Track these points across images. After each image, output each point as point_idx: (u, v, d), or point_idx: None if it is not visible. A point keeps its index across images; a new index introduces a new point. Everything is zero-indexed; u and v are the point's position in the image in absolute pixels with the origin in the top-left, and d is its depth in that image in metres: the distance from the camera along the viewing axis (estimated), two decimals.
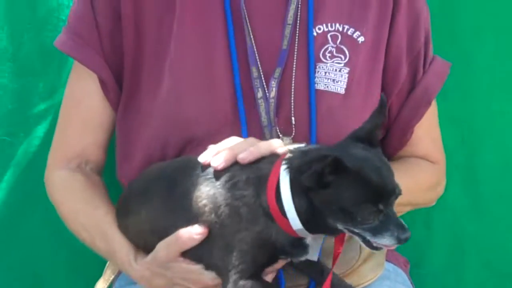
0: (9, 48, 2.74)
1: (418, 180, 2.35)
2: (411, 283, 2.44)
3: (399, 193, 1.94)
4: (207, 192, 2.03)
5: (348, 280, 2.19)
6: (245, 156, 2.02)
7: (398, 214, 2.24)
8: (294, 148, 2.01)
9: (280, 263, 2.06)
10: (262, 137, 2.25)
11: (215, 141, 2.20)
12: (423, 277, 2.79)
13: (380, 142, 2.33)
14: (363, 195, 1.90)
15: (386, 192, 1.91)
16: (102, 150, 2.45)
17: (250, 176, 2.00)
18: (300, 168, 1.92)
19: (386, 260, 2.38)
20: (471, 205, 2.83)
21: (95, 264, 2.56)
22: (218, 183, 2.02)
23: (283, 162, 1.96)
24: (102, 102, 2.40)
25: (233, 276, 2.01)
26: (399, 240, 1.90)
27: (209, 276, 2.07)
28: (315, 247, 2.05)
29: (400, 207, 2.22)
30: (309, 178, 1.89)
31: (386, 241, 1.91)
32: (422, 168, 2.43)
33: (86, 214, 2.30)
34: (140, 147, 2.35)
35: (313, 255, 2.05)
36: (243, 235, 1.99)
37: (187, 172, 2.09)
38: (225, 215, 2.01)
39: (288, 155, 1.98)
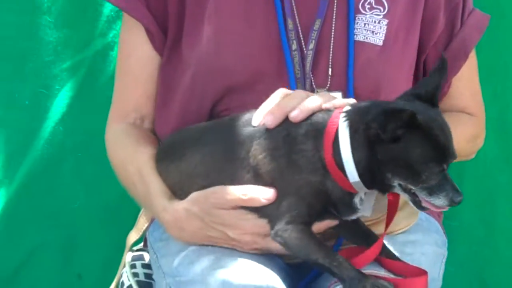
0: (45, 1, 2.70)
1: (457, 132, 2.22)
2: (444, 233, 2.38)
3: (456, 156, 1.93)
4: (267, 146, 1.99)
5: (382, 226, 2.11)
6: (296, 115, 1.99)
7: None
8: (351, 103, 1.99)
9: (328, 223, 2.01)
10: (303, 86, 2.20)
11: (252, 92, 2.17)
12: (454, 229, 2.73)
13: None
14: (433, 153, 1.88)
15: (450, 153, 1.90)
16: (154, 102, 2.38)
17: (308, 129, 1.97)
18: (367, 121, 1.89)
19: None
20: (503, 157, 2.78)
21: (129, 215, 2.51)
22: (276, 137, 1.99)
23: (342, 115, 1.94)
24: (151, 52, 2.35)
25: (284, 219, 1.97)
26: (452, 202, 1.89)
27: (257, 223, 2.02)
28: (367, 206, 2.01)
29: None
30: (385, 131, 1.85)
31: (440, 201, 1.89)
32: (461, 120, 2.36)
33: (132, 160, 2.24)
34: (178, 96, 2.30)
35: (365, 211, 2.02)
36: (301, 183, 1.96)
37: (241, 126, 2.06)
38: (284, 166, 1.98)
39: (346, 108, 1.95)
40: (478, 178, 2.81)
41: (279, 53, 2.22)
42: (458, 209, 2.72)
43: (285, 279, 2.05)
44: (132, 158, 2.25)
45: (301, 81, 2.21)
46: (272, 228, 2.01)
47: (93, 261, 2.83)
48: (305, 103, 2.00)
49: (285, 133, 1.98)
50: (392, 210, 2.04)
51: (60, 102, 2.74)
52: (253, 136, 2.02)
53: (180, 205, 2.09)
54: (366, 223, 2.13)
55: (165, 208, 2.12)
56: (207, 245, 2.09)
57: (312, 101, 2.00)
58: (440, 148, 1.89)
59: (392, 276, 2.01)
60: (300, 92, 2.05)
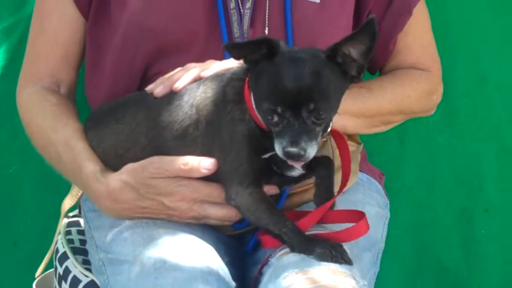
0: None
1: (406, 87, 2.00)
2: (385, 194, 2.10)
3: (307, 103, 1.58)
4: (188, 102, 1.77)
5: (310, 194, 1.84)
6: (176, 86, 1.79)
7: (391, 124, 2.00)
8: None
9: (272, 188, 1.76)
10: None
11: (186, 54, 1.88)
12: (396, 190, 2.46)
13: None
14: (267, 90, 1.61)
15: (285, 95, 1.58)
16: (73, 67, 2.06)
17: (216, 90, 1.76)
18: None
19: (360, 171, 2.04)
20: (443, 118, 2.50)
21: (65, 181, 2.12)
22: (195, 99, 1.77)
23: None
24: (74, 12, 2.01)
25: (234, 181, 1.71)
26: (283, 152, 1.59)
27: (194, 188, 1.75)
28: None
29: (389, 116, 2.00)
30: (242, 46, 1.65)
31: (277, 148, 1.61)
32: (411, 76, 2.06)
33: (55, 129, 1.92)
34: (108, 58, 1.98)
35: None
36: (228, 126, 1.71)
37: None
38: (207, 111, 1.75)
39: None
40: (420, 140, 2.54)
41: (214, 12, 1.91)
42: (400, 171, 2.49)
43: (225, 252, 1.78)
44: (54, 126, 1.93)
45: (240, 40, 1.91)
46: (224, 190, 1.74)
47: (29, 229, 2.50)
48: (186, 75, 1.80)
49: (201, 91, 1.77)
50: (345, 170, 1.76)
51: None
52: (174, 101, 1.78)
53: (115, 176, 1.79)
54: (303, 187, 1.86)
55: (98, 179, 1.81)
56: (142, 220, 1.80)
57: (192, 72, 1.80)
58: (277, 86, 1.59)
59: (330, 230, 1.73)
60: (189, 64, 1.84)
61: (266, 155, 1.69)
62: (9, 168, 2.47)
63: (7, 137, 2.43)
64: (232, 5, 1.91)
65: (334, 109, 1.65)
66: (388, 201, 2.07)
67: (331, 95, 1.62)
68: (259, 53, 1.62)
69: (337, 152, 1.83)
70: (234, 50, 1.65)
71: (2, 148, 2.45)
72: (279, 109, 1.60)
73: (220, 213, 1.77)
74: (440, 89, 2.12)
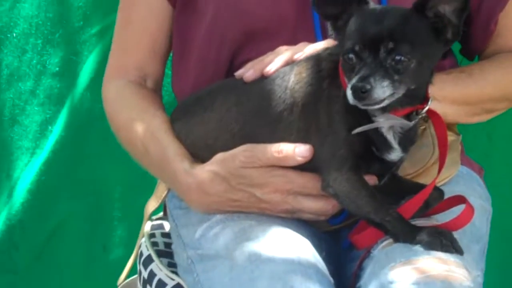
0: None
1: (509, 73, 1.81)
2: (486, 187, 1.90)
3: (386, 41, 1.46)
4: (281, 86, 1.63)
5: (421, 180, 1.68)
6: (268, 70, 1.65)
7: (494, 112, 1.82)
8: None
9: (372, 177, 1.60)
10: (326, 34, 1.76)
11: (275, 40, 1.73)
12: None
13: (463, 39, 1.80)
14: (350, 31, 1.50)
15: (364, 32, 1.48)
16: (160, 60, 1.91)
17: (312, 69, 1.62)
18: None
19: (461, 164, 1.83)
20: None
21: (154, 184, 2.03)
22: (290, 81, 1.62)
23: None
24: (162, 1, 1.87)
25: (333, 166, 1.55)
26: (351, 89, 1.45)
27: (288, 178, 1.60)
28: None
29: (493, 103, 1.83)
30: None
31: (348, 88, 1.47)
32: None
33: (141, 121, 1.79)
34: (195, 48, 1.84)
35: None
36: (325, 105, 1.57)
37: (275, 76, 1.66)
38: (303, 92, 1.60)
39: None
40: (508, 135, 2.37)
41: None
42: (487, 168, 2.28)
43: (320, 247, 1.62)
44: (141, 119, 1.79)
45: None
46: (321, 178, 1.58)
47: (118, 232, 2.43)
48: (278, 58, 1.66)
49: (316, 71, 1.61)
50: (443, 146, 1.59)
51: (88, 68, 2.32)
52: (270, 86, 1.64)
53: (205, 168, 1.65)
54: (411, 174, 1.70)
55: (187, 171, 1.67)
56: (233, 213, 1.65)
57: (284, 56, 1.66)
58: (358, 28, 1.49)
59: (437, 221, 1.58)
60: (280, 47, 1.70)
61: (361, 128, 1.54)
62: (102, 170, 2.41)
63: (99, 139, 2.36)
64: None
65: (420, 61, 1.47)
66: (490, 197, 1.89)
67: (415, 42, 1.47)
68: (346, 10, 1.52)
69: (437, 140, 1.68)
70: (320, 3, 1.54)
71: (93, 151, 2.39)
72: (357, 47, 1.47)
73: (316, 206, 1.62)
74: None
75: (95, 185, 2.42)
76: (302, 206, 1.62)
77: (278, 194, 1.61)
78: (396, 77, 1.46)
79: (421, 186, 1.59)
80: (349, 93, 1.47)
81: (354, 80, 1.45)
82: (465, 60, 1.97)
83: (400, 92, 1.49)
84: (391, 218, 1.52)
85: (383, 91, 1.46)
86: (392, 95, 1.48)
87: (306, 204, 1.62)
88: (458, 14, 1.48)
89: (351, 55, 1.49)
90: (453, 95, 1.75)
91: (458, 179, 1.78)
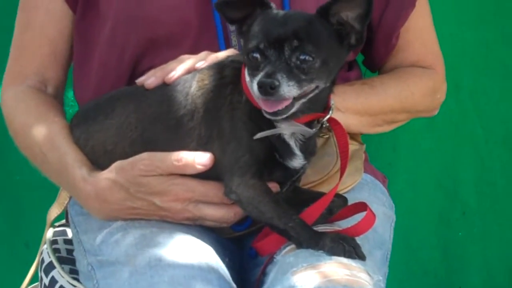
0: None
1: (410, 84, 1.76)
2: (389, 195, 1.85)
3: (291, 39, 1.39)
4: (182, 92, 1.54)
5: (324, 188, 1.61)
6: (169, 77, 1.56)
7: (395, 124, 1.76)
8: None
9: (274, 185, 1.51)
10: (229, 42, 1.68)
11: (177, 47, 1.64)
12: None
13: (366, 51, 1.79)
14: (254, 32, 1.43)
15: (269, 31, 1.41)
16: (61, 66, 1.79)
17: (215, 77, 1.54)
18: None
19: (364, 172, 1.78)
20: (426, 125, 2.37)
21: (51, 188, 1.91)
22: (191, 88, 1.54)
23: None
24: (62, 6, 1.75)
25: (236, 173, 1.47)
26: (258, 84, 1.37)
27: (189, 187, 1.50)
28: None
29: (393, 114, 1.79)
30: (234, 3, 1.47)
31: (253, 85, 1.39)
32: (413, 73, 1.82)
33: (40, 127, 1.66)
34: (96, 53, 1.72)
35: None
36: (227, 111, 1.48)
37: (176, 83, 1.57)
38: (205, 98, 1.51)
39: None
40: (408, 146, 2.40)
41: (208, 3, 1.68)
42: (391, 177, 2.30)
43: (224, 254, 1.54)
44: (39, 125, 1.66)
45: (236, 33, 1.68)
46: (224, 184, 1.49)
47: (40, 230, 2.28)
48: (180, 66, 1.58)
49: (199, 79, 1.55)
50: (343, 153, 1.52)
51: None
52: (169, 93, 1.55)
53: (103, 175, 1.54)
54: (307, 186, 1.62)
55: (85, 179, 1.56)
56: (134, 220, 1.55)
57: (186, 63, 1.58)
58: (262, 28, 1.42)
59: (339, 228, 1.51)
60: (183, 56, 1.61)
61: (264, 133, 1.46)
62: (18, 174, 2.30)
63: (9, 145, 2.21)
64: None
65: (324, 62, 1.41)
66: (393, 204, 1.84)
67: (319, 42, 1.40)
68: (250, 15, 1.45)
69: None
70: (225, 8, 1.46)
71: (12, 155, 2.21)
72: (261, 45, 1.40)
73: (217, 214, 1.52)
74: (444, 88, 1.89)
75: (13, 188, 2.30)
76: (203, 214, 1.53)
77: (178, 203, 1.52)
78: (302, 76, 1.40)
79: (323, 195, 1.53)
80: (255, 88, 1.39)
81: (259, 76, 1.38)
82: (368, 71, 1.94)
83: (305, 93, 1.42)
84: (294, 224, 1.44)
85: (289, 89, 1.38)
86: (298, 99, 1.41)
87: (207, 212, 1.53)
88: (361, 20, 1.43)
89: (255, 54, 1.41)
90: (356, 106, 1.71)
91: (362, 186, 1.73)
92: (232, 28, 1.70)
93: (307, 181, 1.62)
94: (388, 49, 1.83)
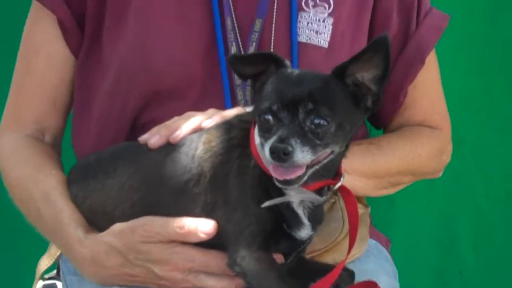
0: None
1: (417, 145, 1.66)
2: (393, 261, 1.72)
3: (306, 102, 1.27)
4: (188, 154, 1.41)
5: (330, 256, 1.49)
6: (175, 136, 1.44)
7: (399, 186, 1.66)
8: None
9: (279, 256, 1.38)
10: (235, 96, 1.57)
11: (181, 100, 1.54)
12: None
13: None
14: (267, 92, 1.31)
15: (283, 92, 1.28)
16: (60, 114, 1.67)
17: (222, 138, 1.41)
18: None
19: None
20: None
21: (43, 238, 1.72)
22: (198, 150, 1.41)
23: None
24: (64, 51, 1.64)
25: (241, 244, 1.33)
26: (270, 149, 1.24)
27: (190, 256, 1.38)
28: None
29: (399, 176, 1.67)
30: (247, 58, 1.38)
31: (265, 150, 1.27)
32: (420, 133, 1.71)
33: (36, 181, 1.54)
34: (97, 102, 1.61)
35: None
36: (235, 176, 1.36)
37: (181, 144, 1.44)
38: (212, 162, 1.38)
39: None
40: (408, 199, 2.25)
41: (214, 56, 1.57)
42: (388, 231, 2.19)
43: None
44: (35, 178, 1.54)
45: (242, 88, 1.57)
46: (228, 255, 1.35)
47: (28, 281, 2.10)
48: (185, 124, 1.46)
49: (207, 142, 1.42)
50: (353, 226, 1.39)
51: None
52: (173, 155, 1.42)
53: (100, 238, 1.42)
54: (312, 254, 1.49)
55: (81, 241, 1.44)
56: (131, 287, 1.42)
57: (193, 121, 1.46)
58: (276, 89, 1.30)
59: None
60: (189, 113, 1.49)
61: (272, 202, 1.33)
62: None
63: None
64: (234, 49, 1.57)
65: (339, 126, 1.29)
66: (397, 271, 1.70)
67: (335, 105, 1.29)
68: (264, 71, 1.34)
69: (347, 215, 1.49)
70: (238, 63, 1.34)
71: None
72: (274, 107, 1.28)
73: (218, 286, 1.39)
74: (450, 148, 1.78)
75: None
76: (203, 285, 1.40)
77: (178, 272, 1.39)
78: (316, 141, 1.27)
79: (330, 267, 1.39)
80: (266, 153, 1.26)
81: (272, 140, 1.25)
82: (373, 128, 1.82)
83: (319, 159, 1.29)
84: None
85: (303, 155, 1.26)
86: (311, 166, 1.28)
87: (208, 283, 1.39)
88: (378, 82, 1.31)
89: (267, 116, 1.29)
90: (363, 168, 1.58)
91: (367, 254, 1.60)
92: (238, 82, 1.58)
93: (313, 249, 1.50)
94: (395, 107, 1.72)
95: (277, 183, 1.28)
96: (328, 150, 1.29)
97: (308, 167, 1.27)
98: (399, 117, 1.72)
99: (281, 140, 1.24)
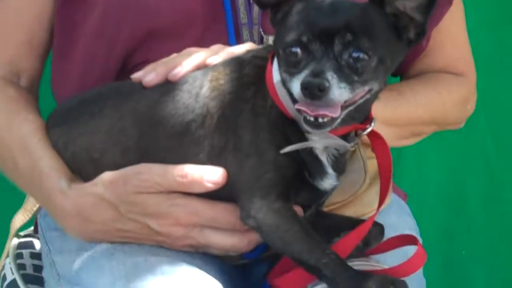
0: None
1: (442, 92, 1.51)
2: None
3: (343, 32, 1.11)
4: (190, 92, 1.24)
5: (350, 210, 1.34)
6: (174, 74, 1.26)
7: (420, 136, 1.50)
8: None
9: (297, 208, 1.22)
10: (240, 36, 1.40)
11: (179, 39, 1.36)
12: None
13: None
14: (294, 21, 1.15)
15: (314, 21, 1.13)
16: (37, 55, 1.49)
17: (232, 75, 1.24)
18: None
19: None
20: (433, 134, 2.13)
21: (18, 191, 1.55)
22: (203, 88, 1.24)
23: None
24: None
25: (257, 193, 1.17)
26: (302, 85, 1.09)
27: (193, 208, 1.21)
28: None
29: (422, 126, 1.53)
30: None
31: (294, 87, 1.12)
32: (445, 80, 1.55)
33: (10, 127, 1.37)
34: (81, 45, 1.43)
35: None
36: (249, 118, 1.19)
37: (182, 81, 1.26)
38: (220, 102, 1.21)
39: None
40: (414, 156, 2.16)
41: None
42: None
43: (229, 286, 1.25)
44: (9, 124, 1.37)
45: (249, 27, 1.40)
46: (240, 207, 1.19)
47: (2, 239, 1.95)
48: (187, 61, 1.28)
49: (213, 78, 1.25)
50: (385, 177, 1.24)
51: None
52: (174, 93, 1.25)
53: (87, 188, 1.25)
54: (330, 208, 1.34)
55: (63, 192, 1.27)
56: (123, 243, 1.26)
57: (195, 58, 1.28)
58: (305, 18, 1.14)
59: (383, 266, 1.23)
60: (189, 49, 1.32)
61: (293, 147, 1.17)
62: None
63: None
64: None
65: (381, 61, 1.13)
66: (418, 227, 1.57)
67: (376, 37, 1.13)
68: (288, 1, 1.17)
69: (369, 164, 1.35)
70: None
71: None
72: (304, 38, 1.12)
73: (227, 242, 1.23)
74: (475, 98, 1.63)
75: None
76: (209, 242, 1.24)
77: (179, 228, 1.23)
78: (354, 77, 1.11)
79: (353, 221, 1.25)
80: (296, 89, 1.10)
81: (303, 75, 1.09)
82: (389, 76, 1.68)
83: (355, 98, 1.14)
84: (329, 261, 1.14)
85: (340, 92, 1.10)
86: (345, 107, 1.13)
87: (215, 240, 1.23)
88: (423, 10, 1.16)
89: (295, 48, 1.12)
90: (383, 115, 1.41)
91: (389, 207, 1.44)
92: (244, 20, 1.41)
93: (330, 202, 1.34)
94: (416, 52, 1.56)
95: (305, 126, 1.12)
96: (366, 88, 1.14)
97: (342, 108, 1.12)
98: (419, 63, 1.57)
99: (315, 74, 1.08)
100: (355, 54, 1.11)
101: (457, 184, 2.25)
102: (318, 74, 1.08)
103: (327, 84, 1.08)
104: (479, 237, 2.27)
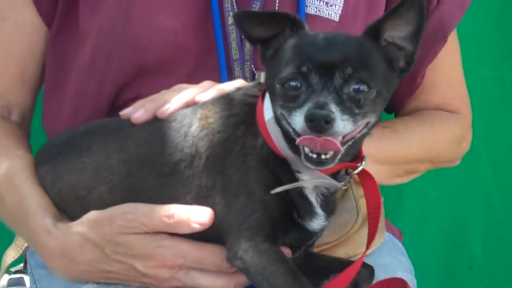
0: None
1: (436, 131, 1.48)
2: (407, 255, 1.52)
3: (344, 66, 1.08)
4: (179, 131, 1.20)
5: (341, 250, 1.29)
6: (163, 111, 1.23)
7: (414, 174, 1.45)
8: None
9: (285, 250, 1.18)
10: (232, 72, 1.37)
11: (170, 75, 1.33)
12: None
13: None
14: (289, 55, 1.12)
15: (314, 52, 1.10)
16: (29, 90, 1.46)
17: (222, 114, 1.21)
18: None
19: None
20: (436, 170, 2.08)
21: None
22: (192, 127, 1.19)
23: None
24: (34, 19, 1.43)
25: (243, 234, 1.13)
26: (307, 118, 1.05)
27: (180, 251, 1.18)
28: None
29: (416, 164, 1.51)
30: (259, 16, 1.16)
31: (296, 119, 1.07)
32: (440, 118, 1.52)
33: None
34: (73, 78, 1.40)
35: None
36: (238, 158, 1.16)
37: (171, 119, 1.23)
38: (210, 141, 1.18)
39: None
40: (415, 192, 2.11)
41: (210, 27, 1.37)
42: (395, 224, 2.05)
43: None
44: None
45: (240, 63, 1.37)
46: (227, 248, 1.15)
47: None
48: (176, 98, 1.25)
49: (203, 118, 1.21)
50: (374, 217, 1.19)
51: None
52: (162, 131, 1.21)
53: (72, 229, 1.21)
54: (321, 248, 1.29)
55: (49, 231, 1.24)
56: (109, 284, 1.22)
57: (184, 94, 1.26)
58: (303, 49, 1.11)
59: None
60: (179, 85, 1.30)
61: (283, 188, 1.14)
62: None
63: None
64: (230, 19, 1.37)
65: (379, 92, 1.11)
66: (412, 267, 1.51)
67: (374, 69, 1.10)
68: (278, 37, 1.14)
69: (362, 203, 1.31)
70: (246, 22, 1.14)
71: None
72: (304, 69, 1.08)
73: (214, 285, 1.19)
74: (470, 136, 1.59)
75: None
76: (196, 284, 1.20)
77: (165, 269, 1.19)
78: (355, 110, 1.08)
79: (343, 262, 1.21)
80: (299, 124, 1.06)
81: (306, 108, 1.05)
82: (383, 113, 1.64)
83: (354, 134, 1.11)
84: None
85: (343, 125, 1.07)
86: (345, 142, 1.10)
87: (201, 282, 1.19)
88: (412, 39, 1.14)
89: (293, 82, 1.09)
90: (377, 154, 1.39)
91: (383, 247, 1.40)
92: (235, 56, 1.38)
93: (321, 242, 1.29)
94: (411, 90, 1.53)
95: (306, 163, 1.08)
96: (365, 121, 1.11)
97: (342, 143, 1.08)
98: (414, 101, 1.54)
99: (320, 106, 1.04)
100: (356, 86, 1.09)
101: (458, 221, 2.20)
102: (322, 106, 1.05)
103: (332, 116, 1.05)
104: (481, 275, 2.21)
